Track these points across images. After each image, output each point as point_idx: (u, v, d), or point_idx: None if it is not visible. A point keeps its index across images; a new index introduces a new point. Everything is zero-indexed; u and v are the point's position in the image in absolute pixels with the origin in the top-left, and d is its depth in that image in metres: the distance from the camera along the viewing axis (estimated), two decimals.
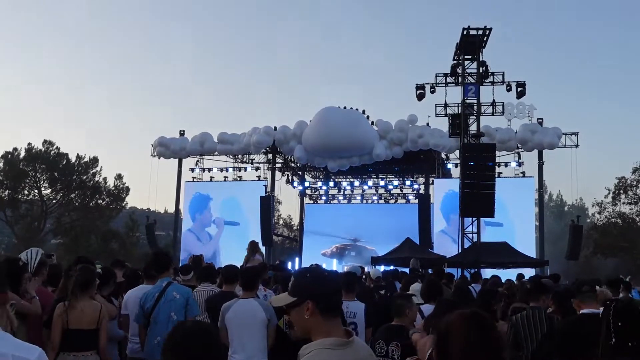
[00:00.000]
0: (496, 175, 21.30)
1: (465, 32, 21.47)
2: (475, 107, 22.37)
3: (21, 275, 5.22)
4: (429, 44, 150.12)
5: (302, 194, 34.66)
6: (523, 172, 27.15)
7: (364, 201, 33.80)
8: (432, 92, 23.64)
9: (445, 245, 25.21)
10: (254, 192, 27.98)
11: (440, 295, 6.44)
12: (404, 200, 33.03)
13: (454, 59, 23.13)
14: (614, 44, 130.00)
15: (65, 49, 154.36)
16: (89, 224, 43.31)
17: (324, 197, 34.48)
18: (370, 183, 33.36)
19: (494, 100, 23.34)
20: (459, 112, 22.77)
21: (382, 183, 33.06)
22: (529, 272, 18.09)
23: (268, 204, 26.84)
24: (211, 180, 30.46)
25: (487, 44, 22.17)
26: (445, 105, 23.51)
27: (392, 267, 18.94)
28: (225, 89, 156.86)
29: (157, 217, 38.02)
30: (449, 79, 23.38)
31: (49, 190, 44.32)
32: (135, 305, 6.24)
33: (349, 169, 28.78)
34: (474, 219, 21.70)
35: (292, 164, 32.14)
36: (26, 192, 43.90)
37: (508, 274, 17.61)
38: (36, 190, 43.92)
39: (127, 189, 46.37)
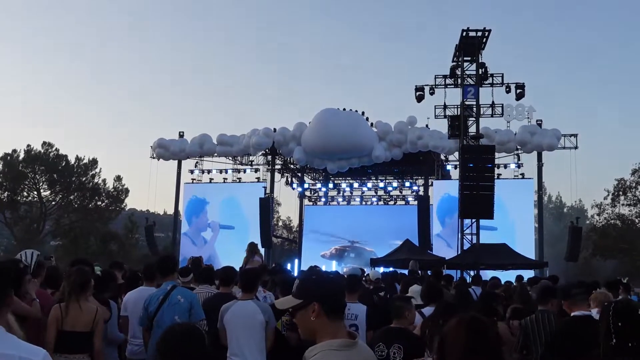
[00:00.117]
0: (495, 177, 21.31)
1: (464, 33, 21.48)
2: (475, 109, 22.37)
3: (22, 277, 5.20)
4: (428, 45, 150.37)
5: (302, 196, 34.66)
6: (522, 174, 27.18)
7: (363, 203, 33.81)
8: (432, 93, 23.65)
9: (441, 248, 25.23)
10: (253, 193, 27.98)
11: (440, 298, 6.44)
12: (403, 202, 33.05)
13: (453, 61, 23.14)
14: (613, 45, 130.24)
15: (65, 50, 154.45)
16: (88, 226, 43.28)
17: (323, 199, 34.48)
18: (369, 185, 33.37)
19: (493, 101, 23.36)
20: (458, 113, 22.77)
21: (381, 185, 33.06)
22: (528, 274, 18.06)
23: (267, 205, 26.84)
24: (210, 182, 30.45)
25: (487, 45, 22.19)
26: (445, 106, 23.52)
27: (391, 269, 18.94)
28: (224, 90, 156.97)
29: (157, 218, 38.10)
30: (448, 81, 23.38)
31: (48, 192, 44.35)
32: (135, 307, 6.24)
33: (348, 171, 28.78)
34: (473, 220, 21.70)
35: (292, 166, 32.14)
36: (25, 193, 43.90)
37: (507, 276, 17.62)
38: (35, 192, 43.91)
39: (127, 191, 46.42)
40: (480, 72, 22.34)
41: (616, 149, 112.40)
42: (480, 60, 22.38)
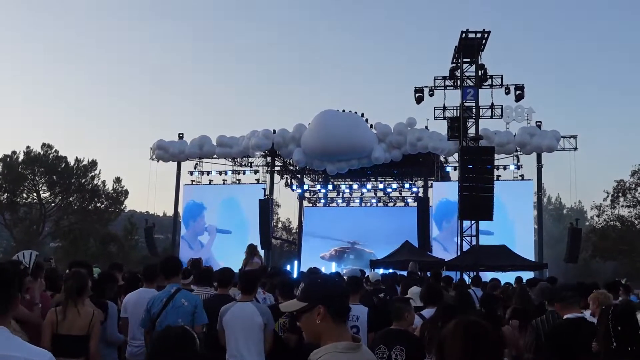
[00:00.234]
0: (495, 178, 21.30)
1: (463, 35, 21.49)
2: (474, 110, 22.37)
3: (22, 279, 5.20)
4: (428, 47, 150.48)
5: (301, 197, 34.65)
6: (522, 175, 27.19)
7: (363, 204, 33.80)
8: (431, 95, 23.65)
9: (437, 252, 25.25)
10: (252, 195, 27.96)
11: (439, 299, 6.44)
12: (402, 204, 33.05)
13: (452, 62, 23.14)
14: (612, 46, 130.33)
15: (64, 51, 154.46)
16: (87, 227, 43.27)
17: (322, 200, 34.46)
18: (369, 186, 33.35)
19: (492, 103, 23.36)
20: (458, 115, 22.76)
21: (381, 186, 33.06)
22: (527, 275, 18.06)
23: (267, 207, 26.83)
24: (210, 184, 30.45)
25: (486, 47, 22.20)
26: (444, 108, 23.52)
27: (390, 270, 18.93)
28: (224, 91, 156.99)
29: (156, 220, 38.06)
30: (447, 82, 23.38)
31: (47, 194, 44.34)
32: (135, 308, 6.23)
33: (347, 172, 28.77)
34: (473, 222, 21.69)
35: (291, 167, 32.13)
36: (25, 195, 43.91)
37: (507, 277, 17.61)
38: (35, 194, 43.91)
39: (126, 192, 46.42)
40: (479, 74, 22.34)
41: (616, 150, 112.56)
42: (479, 62, 22.39)
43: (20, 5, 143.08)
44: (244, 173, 30.52)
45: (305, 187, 34.59)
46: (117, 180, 46.01)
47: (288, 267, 26.50)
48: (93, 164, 44.99)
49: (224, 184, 30.39)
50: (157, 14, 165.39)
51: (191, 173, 30.54)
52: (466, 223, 22.03)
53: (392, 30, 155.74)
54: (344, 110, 26.83)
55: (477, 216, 20.81)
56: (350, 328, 5.98)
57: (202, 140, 29.40)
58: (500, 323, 6.18)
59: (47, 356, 2.13)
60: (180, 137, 30.17)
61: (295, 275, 13.96)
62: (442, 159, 28.33)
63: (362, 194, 33.74)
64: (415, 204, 27.83)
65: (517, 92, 23.11)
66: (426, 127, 26.11)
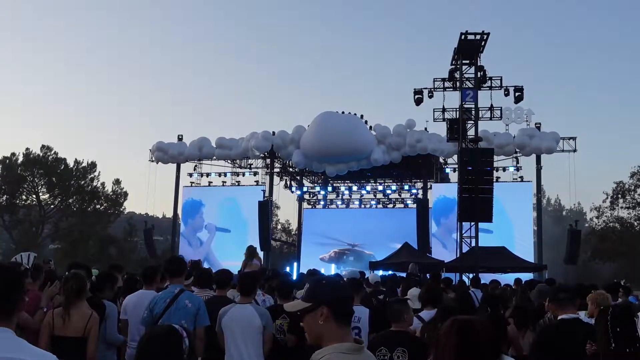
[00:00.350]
0: (494, 180, 21.30)
1: (463, 37, 21.47)
2: (473, 112, 22.33)
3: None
4: (427, 48, 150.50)
5: (301, 199, 34.65)
6: (521, 177, 27.21)
7: (362, 206, 33.82)
8: (430, 96, 23.62)
9: (436, 249, 25.45)
10: (252, 197, 27.98)
11: (438, 301, 6.45)
12: (402, 205, 33.07)
13: (451, 64, 23.12)
14: (612, 48, 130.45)
15: (65, 53, 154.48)
16: (87, 229, 43.24)
17: (322, 202, 34.48)
18: (368, 188, 33.35)
19: (491, 104, 23.33)
20: (457, 116, 22.74)
21: (380, 188, 33.08)
22: (527, 277, 18.08)
23: (266, 208, 26.84)
24: (209, 185, 30.47)
25: (485, 48, 22.19)
26: (443, 110, 23.51)
27: (390, 272, 18.94)
28: (223, 93, 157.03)
29: (155, 222, 38.06)
30: (446, 84, 23.35)
31: (47, 195, 44.28)
32: (135, 310, 6.22)
33: (347, 174, 28.78)
34: (472, 223, 21.68)
35: (291, 169, 32.13)
36: (24, 197, 43.85)
37: (506, 279, 17.62)
38: (34, 195, 43.86)
39: (125, 194, 46.38)
40: (479, 75, 22.31)
41: (615, 152, 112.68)
42: (479, 64, 22.35)
43: (19, 6, 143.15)
44: (244, 175, 30.54)
45: (305, 189, 34.60)
46: (117, 182, 46.06)
47: (287, 269, 26.53)
48: (92, 165, 44.99)
49: (223, 185, 30.41)
50: (156, 16, 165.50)
51: (190, 175, 30.57)
52: (465, 224, 22.02)
53: (391, 32, 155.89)
54: (343, 112, 26.83)
55: (476, 218, 20.79)
56: (352, 329, 5.99)
57: (201, 142, 29.40)
58: (505, 322, 6.20)
59: (51, 359, 2.13)
60: (180, 138, 30.19)
61: (294, 277, 13.97)
62: (441, 160, 28.33)
63: (362, 195, 33.75)
64: (415, 205, 27.84)
65: (517, 94, 23.10)
66: (425, 128, 26.14)
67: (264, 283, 8.52)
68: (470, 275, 16.79)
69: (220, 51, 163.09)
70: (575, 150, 26.49)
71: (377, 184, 33.34)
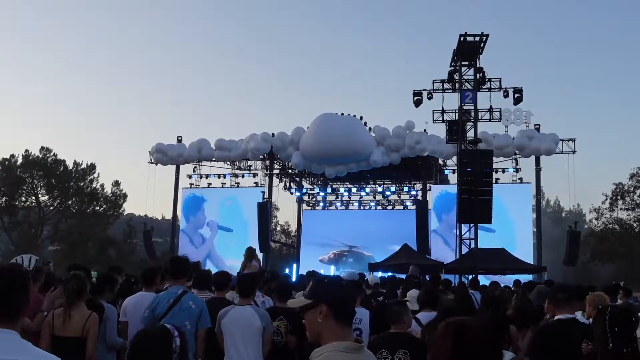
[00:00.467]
0: (494, 182, 21.30)
1: (462, 38, 21.48)
2: (473, 113, 22.34)
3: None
4: (426, 50, 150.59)
5: (300, 201, 34.64)
6: (520, 178, 27.22)
7: (362, 207, 33.83)
8: (430, 98, 23.62)
9: (437, 245, 25.47)
10: (251, 198, 27.99)
11: (436, 303, 6.45)
12: (401, 207, 33.08)
13: (451, 65, 23.12)
14: (611, 49, 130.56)
15: (64, 54, 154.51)
16: (86, 231, 43.23)
17: (321, 204, 34.48)
18: (367, 189, 33.35)
19: (491, 106, 23.36)
20: (456, 118, 22.75)
21: (379, 189, 33.08)
22: (526, 279, 18.09)
23: (265, 210, 26.84)
24: (209, 187, 30.47)
25: (484, 50, 22.20)
26: (443, 111, 23.51)
27: (389, 274, 18.94)
28: (222, 95, 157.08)
29: (155, 223, 38.00)
30: (446, 85, 23.36)
31: (46, 197, 44.24)
32: (135, 312, 6.22)
33: (346, 176, 28.79)
34: (471, 225, 21.69)
35: (290, 171, 32.14)
36: (23, 198, 43.81)
37: (505, 280, 17.62)
38: (33, 197, 43.82)
39: (125, 196, 46.37)
40: (478, 77, 22.31)
41: (614, 153, 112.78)
42: (478, 65, 22.36)
43: (19, 7, 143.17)
44: (243, 176, 30.52)
45: (304, 191, 34.61)
46: (116, 183, 46.05)
47: (287, 271, 26.52)
48: (92, 167, 44.97)
49: (222, 187, 30.40)
50: (155, 17, 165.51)
51: (190, 176, 30.56)
52: (465, 226, 22.02)
53: (390, 34, 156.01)
54: (342, 114, 26.84)
55: (476, 219, 20.80)
56: (353, 330, 6.00)
57: (200, 144, 29.40)
58: (507, 322, 6.22)
59: None
60: (179, 140, 30.19)
61: (294, 279, 13.97)
62: (440, 162, 28.33)
63: (361, 197, 33.76)
64: (414, 207, 27.85)
65: (516, 95, 23.12)
66: (425, 130, 26.13)
67: (263, 285, 8.52)
68: (470, 277, 16.79)
69: (219, 52, 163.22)
70: (574, 152, 26.53)
71: (377, 185, 33.34)
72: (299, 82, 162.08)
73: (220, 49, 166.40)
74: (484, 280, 17.19)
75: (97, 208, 44.91)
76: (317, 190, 34.81)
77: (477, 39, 21.50)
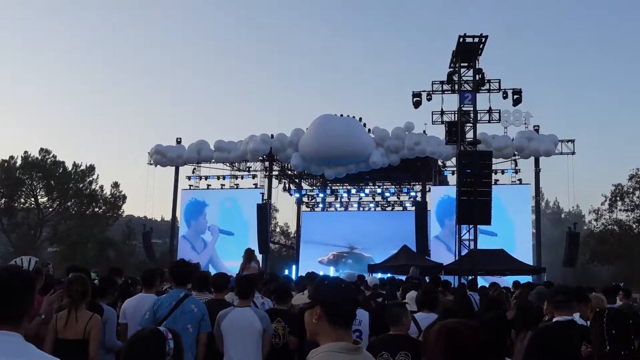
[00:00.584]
0: (493, 183, 21.31)
1: (461, 39, 21.50)
2: (472, 115, 22.37)
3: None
4: (426, 51, 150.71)
5: (299, 202, 34.64)
6: (520, 180, 27.22)
7: (361, 209, 33.82)
8: (429, 99, 23.64)
9: (439, 251, 25.39)
10: (250, 199, 27.98)
11: (434, 304, 6.45)
12: (400, 208, 33.09)
13: (450, 67, 23.15)
14: (610, 50, 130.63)
15: (63, 55, 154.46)
16: (85, 232, 43.20)
17: (320, 205, 34.47)
18: (367, 190, 33.35)
19: (490, 107, 23.38)
20: (456, 119, 22.77)
21: (379, 190, 33.08)
22: (525, 280, 18.08)
23: (265, 211, 26.82)
24: (208, 188, 30.45)
25: (483, 51, 22.22)
26: (442, 112, 23.53)
27: (389, 275, 18.92)
28: (222, 96, 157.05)
29: (154, 225, 38.02)
30: (445, 87, 23.39)
31: (45, 199, 44.21)
32: (135, 314, 6.21)
33: (345, 177, 28.78)
34: (471, 226, 21.69)
35: (289, 172, 32.13)
36: (22, 200, 43.77)
37: (505, 282, 17.61)
38: (32, 199, 43.78)
39: (124, 197, 46.32)
40: (477, 78, 22.34)
41: (613, 154, 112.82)
42: (477, 66, 22.39)
43: (18, 8, 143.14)
44: (242, 178, 30.50)
45: (304, 192, 34.60)
46: (115, 185, 45.99)
47: (286, 272, 26.53)
48: (91, 168, 44.93)
49: (222, 188, 30.37)
50: (155, 18, 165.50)
51: (189, 178, 30.53)
52: (464, 227, 22.03)
53: (390, 35, 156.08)
54: (342, 115, 26.84)
55: (475, 220, 20.81)
56: (353, 332, 6.00)
57: (200, 145, 29.38)
58: (509, 323, 6.22)
59: None
60: (178, 141, 30.17)
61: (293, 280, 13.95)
62: (440, 163, 28.33)
63: (360, 198, 33.76)
64: (414, 208, 27.84)
65: (515, 97, 23.13)
66: (424, 131, 26.12)
67: (262, 286, 8.51)
68: (469, 279, 16.79)
69: (219, 53, 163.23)
70: (573, 153, 26.52)
71: (376, 186, 33.35)
72: (299, 83, 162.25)
73: (220, 49, 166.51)
74: (483, 281, 17.19)
75: (97, 209, 44.86)
76: (316, 191, 34.81)
77: (476, 40, 21.52)
